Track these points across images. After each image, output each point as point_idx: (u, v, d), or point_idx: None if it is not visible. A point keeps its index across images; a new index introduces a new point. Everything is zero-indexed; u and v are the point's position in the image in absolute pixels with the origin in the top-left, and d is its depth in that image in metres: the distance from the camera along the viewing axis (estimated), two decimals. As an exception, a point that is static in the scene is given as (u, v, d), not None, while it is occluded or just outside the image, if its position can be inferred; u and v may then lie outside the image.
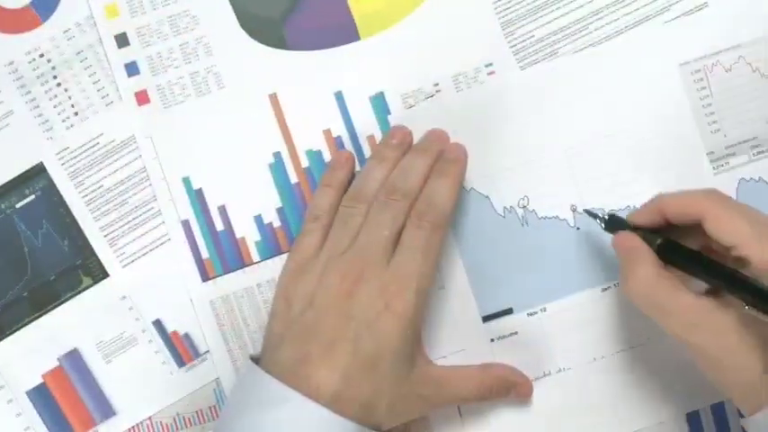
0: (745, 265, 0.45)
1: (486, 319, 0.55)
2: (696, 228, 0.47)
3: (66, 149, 0.55)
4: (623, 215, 0.52)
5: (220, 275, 0.55)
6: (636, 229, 0.50)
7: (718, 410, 0.55)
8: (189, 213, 0.55)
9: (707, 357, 0.47)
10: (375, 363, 0.49)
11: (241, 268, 0.55)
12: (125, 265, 0.55)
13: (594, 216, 0.52)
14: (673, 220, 0.48)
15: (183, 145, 0.55)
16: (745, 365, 0.45)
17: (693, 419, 0.55)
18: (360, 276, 0.50)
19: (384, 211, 0.51)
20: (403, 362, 0.50)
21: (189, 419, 0.55)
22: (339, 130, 0.55)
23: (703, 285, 0.48)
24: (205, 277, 0.55)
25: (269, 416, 0.48)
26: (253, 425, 0.48)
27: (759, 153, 0.55)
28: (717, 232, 0.46)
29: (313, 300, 0.50)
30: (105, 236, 0.55)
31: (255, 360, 0.51)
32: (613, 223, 0.51)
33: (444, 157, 0.53)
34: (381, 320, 0.49)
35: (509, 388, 0.54)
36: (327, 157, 0.55)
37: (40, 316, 0.55)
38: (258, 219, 0.55)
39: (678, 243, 0.48)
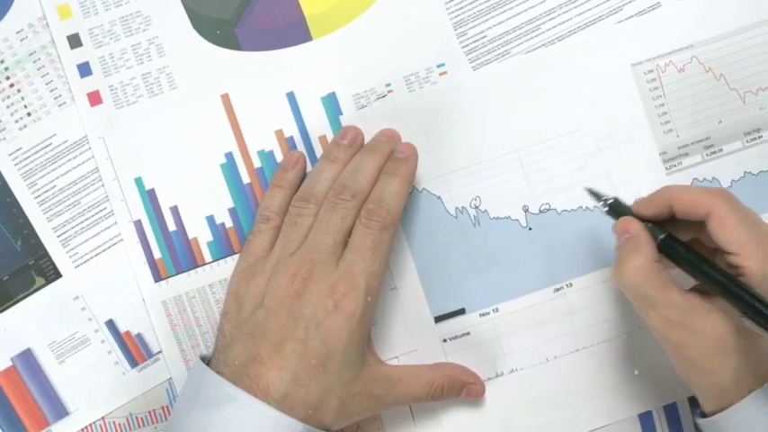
0: (742, 275, 0.45)
1: (439, 319, 0.55)
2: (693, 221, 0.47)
3: (18, 150, 0.55)
4: (580, 215, 0.53)
5: (173, 276, 0.55)
6: (642, 219, 0.49)
7: (671, 411, 0.55)
8: (141, 214, 0.55)
9: (682, 357, 0.47)
10: (324, 362, 0.49)
11: (193, 268, 0.55)
12: (78, 266, 0.55)
13: (598, 198, 0.50)
14: (678, 214, 0.47)
15: (136, 145, 0.55)
16: (718, 371, 0.46)
17: (646, 420, 0.55)
18: (309, 276, 0.50)
19: (333, 212, 0.51)
20: (352, 361, 0.50)
21: (142, 419, 0.55)
22: (291, 130, 0.55)
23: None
24: (157, 277, 0.55)
25: (217, 415, 0.48)
26: (201, 424, 0.48)
27: (712, 153, 0.55)
28: (719, 236, 0.46)
29: (263, 300, 0.50)
30: (58, 236, 0.55)
31: (207, 360, 0.51)
32: (617, 208, 0.50)
33: (394, 156, 0.53)
34: (330, 320, 0.49)
35: (460, 388, 0.54)
36: (279, 157, 0.55)
37: (-7, 316, 0.55)
38: (210, 219, 0.55)
39: (680, 241, 0.48)
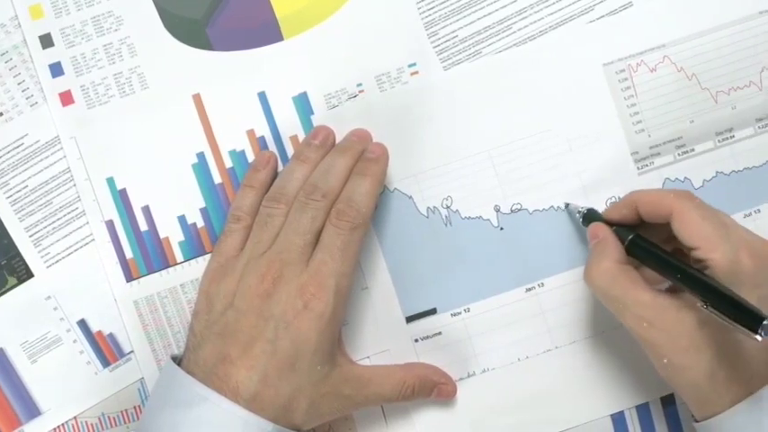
0: (707, 268, 0.46)
1: (410, 319, 0.55)
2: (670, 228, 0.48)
3: (-9, 150, 0.55)
4: (551, 215, 0.53)
5: (144, 276, 0.55)
6: (612, 224, 0.51)
7: (643, 411, 0.55)
8: (113, 214, 0.55)
9: (658, 355, 0.47)
10: (294, 362, 0.49)
11: (165, 268, 0.55)
12: (50, 266, 0.55)
13: (574, 210, 0.53)
14: (644, 216, 0.49)
15: (107, 145, 0.55)
16: (693, 366, 0.46)
17: (618, 420, 0.55)
18: (279, 277, 0.50)
19: (303, 212, 0.51)
20: (322, 361, 0.50)
21: (114, 419, 0.55)
22: (262, 130, 0.55)
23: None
24: (129, 277, 0.55)
25: (187, 415, 0.48)
26: (171, 424, 0.48)
27: (684, 153, 0.55)
28: (682, 232, 0.47)
29: (233, 300, 0.50)
30: (30, 236, 0.55)
31: (178, 360, 0.51)
32: (590, 217, 0.52)
33: (365, 156, 0.53)
34: (299, 320, 0.49)
35: (432, 388, 0.54)
36: (251, 157, 0.55)
37: (-34, 316, 0.55)
38: (182, 219, 0.55)
39: (647, 240, 0.49)
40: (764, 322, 0.41)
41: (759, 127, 0.55)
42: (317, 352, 0.50)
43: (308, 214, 0.51)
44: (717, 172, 0.55)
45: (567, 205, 0.54)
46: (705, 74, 0.55)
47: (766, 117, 0.55)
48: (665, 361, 0.47)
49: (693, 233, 0.46)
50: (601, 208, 0.54)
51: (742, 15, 0.55)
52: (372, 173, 0.52)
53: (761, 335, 0.41)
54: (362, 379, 0.52)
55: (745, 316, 0.42)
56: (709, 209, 0.48)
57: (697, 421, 0.48)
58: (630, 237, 0.49)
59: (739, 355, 0.46)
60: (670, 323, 0.46)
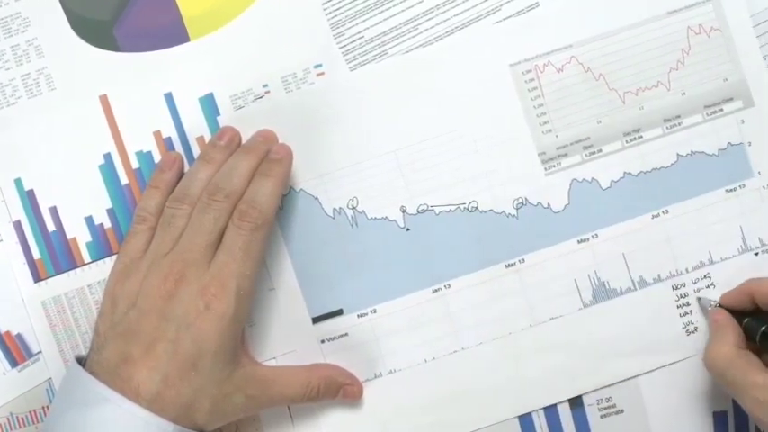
0: None
1: (316, 320, 0.55)
2: None
3: None
4: (458, 216, 0.53)
5: (52, 276, 0.55)
6: (729, 310, 0.53)
7: (551, 412, 0.55)
8: (20, 214, 0.55)
9: None
10: (195, 363, 0.49)
11: (72, 269, 0.55)
12: (-43, 266, 0.55)
13: (706, 304, 0.54)
14: (762, 306, 0.51)
15: (15, 147, 0.55)
16: None
17: (526, 421, 0.55)
18: (181, 277, 0.50)
19: (206, 212, 0.51)
20: (224, 362, 0.50)
21: (23, 419, 0.56)
22: (169, 131, 0.55)
23: None
24: (37, 278, 0.55)
25: (90, 416, 0.48)
26: (74, 425, 0.48)
27: (591, 154, 0.55)
28: None
29: (136, 301, 0.50)
30: (-61, 236, 0.55)
31: (82, 360, 0.51)
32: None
33: (269, 157, 0.53)
34: (201, 321, 0.49)
35: (337, 389, 0.54)
36: (157, 158, 0.55)
37: None
38: (89, 220, 0.55)
39: None
40: None
41: (667, 128, 0.55)
42: (219, 352, 0.50)
43: (210, 215, 0.51)
44: (625, 173, 0.55)
45: (699, 299, 0.54)
46: (613, 74, 0.54)
47: (674, 118, 0.55)
48: None
49: None
50: (508, 209, 0.54)
51: (650, 15, 0.54)
52: (276, 173, 0.52)
53: None
54: (267, 380, 0.52)
55: None
56: None
57: None
58: (746, 320, 0.51)
59: None
60: None
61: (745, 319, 0.51)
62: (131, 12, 0.55)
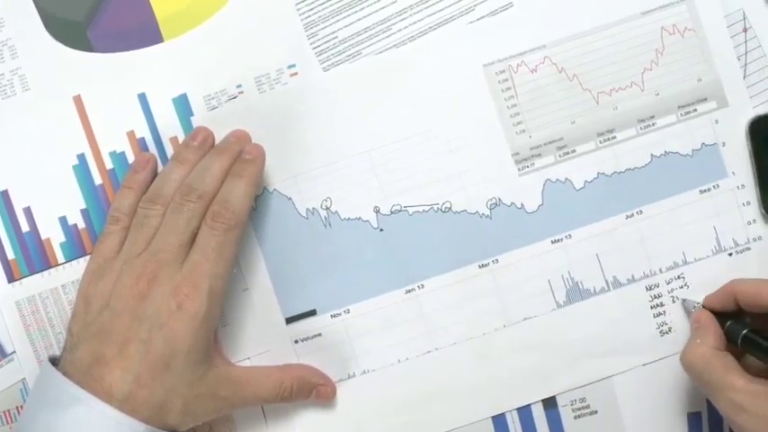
0: None
1: (290, 320, 0.55)
2: None
3: None
4: (431, 216, 0.53)
5: (26, 276, 0.55)
6: (713, 312, 0.52)
7: (524, 413, 0.55)
8: (-6, 215, 0.55)
9: None
10: (167, 363, 0.49)
11: (47, 269, 0.55)
12: (-69, 267, 0.56)
13: (690, 306, 0.54)
14: (744, 306, 0.50)
15: (-11, 147, 0.55)
16: None
17: (499, 421, 0.55)
18: (153, 278, 0.50)
19: (179, 213, 0.51)
20: (197, 362, 0.50)
21: (-3, 419, 0.56)
22: (143, 131, 0.55)
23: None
24: (11, 278, 0.55)
25: (62, 417, 0.48)
26: (47, 425, 0.48)
27: (565, 154, 0.55)
28: None
29: (109, 301, 0.50)
30: None
31: (55, 360, 0.51)
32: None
33: (242, 157, 0.53)
34: (173, 321, 0.49)
35: (310, 389, 0.54)
36: (131, 158, 0.55)
37: None
38: (63, 220, 0.55)
39: (752, 329, 0.50)
40: None
41: (641, 128, 0.55)
42: (192, 352, 0.50)
43: (183, 215, 0.51)
44: (598, 173, 0.55)
45: (683, 300, 0.54)
46: (586, 74, 0.54)
47: (648, 118, 0.55)
48: None
49: None
50: (482, 209, 0.54)
51: (624, 16, 0.54)
52: (248, 174, 0.52)
53: None
54: (239, 380, 0.52)
55: None
56: None
57: None
58: (728, 323, 0.50)
59: None
60: (763, 409, 0.46)
61: (728, 322, 0.51)
62: (105, 12, 0.55)
